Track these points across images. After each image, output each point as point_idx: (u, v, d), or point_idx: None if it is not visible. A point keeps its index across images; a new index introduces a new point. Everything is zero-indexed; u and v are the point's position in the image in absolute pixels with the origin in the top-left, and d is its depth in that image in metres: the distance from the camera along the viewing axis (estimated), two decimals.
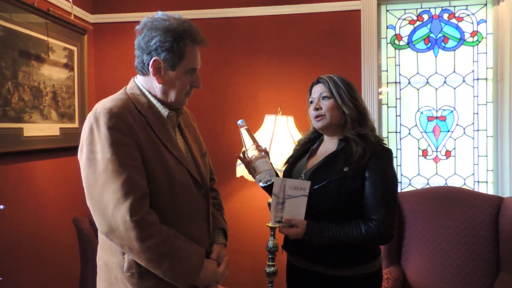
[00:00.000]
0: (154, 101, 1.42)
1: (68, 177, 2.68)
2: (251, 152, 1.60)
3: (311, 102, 1.70)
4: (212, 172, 1.72)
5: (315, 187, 1.57)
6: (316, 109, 1.65)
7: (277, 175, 1.63)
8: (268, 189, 1.73)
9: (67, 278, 2.57)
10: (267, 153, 1.64)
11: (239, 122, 1.64)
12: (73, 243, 2.36)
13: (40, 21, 2.44)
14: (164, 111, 1.43)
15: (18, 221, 2.27)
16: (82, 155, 1.31)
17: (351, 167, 1.55)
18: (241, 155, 1.67)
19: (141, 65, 1.40)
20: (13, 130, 2.23)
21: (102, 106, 1.31)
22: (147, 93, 1.42)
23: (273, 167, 1.63)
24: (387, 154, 1.61)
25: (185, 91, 1.43)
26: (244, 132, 1.63)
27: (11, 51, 2.21)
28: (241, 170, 2.58)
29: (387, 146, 1.66)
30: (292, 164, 1.77)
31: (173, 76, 1.39)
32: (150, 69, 1.37)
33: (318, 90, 1.67)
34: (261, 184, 1.61)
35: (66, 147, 2.65)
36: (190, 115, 1.67)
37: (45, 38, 2.49)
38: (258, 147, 1.61)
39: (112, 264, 1.37)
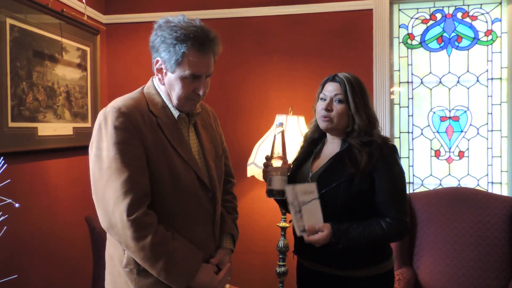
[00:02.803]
0: (167, 102, 1.43)
1: (81, 176, 2.70)
2: (276, 162, 1.55)
3: (322, 99, 1.64)
4: (230, 174, 1.70)
5: (324, 190, 1.56)
6: (327, 110, 1.60)
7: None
8: (279, 200, 1.68)
9: (80, 276, 2.60)
10: (289, 169, 1.60)
11: (278, 123, 1.57)
12: (85, 241, 2.39)
13: (54, 22, 2.48)
14: (175, 113, 1.43)
15: (33, 219, 2.30)
16: (91, 151, 1.35)
17: (358, 170, 1.53)
18: (265, 159, 1.61)
19: (153, 64, 1.42)
20: (27, 129, 2.26)
21: (113, 105, 1.35)
22: (161, 93, 1.43)
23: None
24: (393, 151, 1.60)
25: (185, 97, 1.38)
26: (278, 137, 1.56)
27: (26, 52, 2.25)
28: (251, 170, 2.58)
29: (391, 143, 1.63)
30: (297, 168, 1.74)
31: (172, 79, 1.37)
32: (154, 68, 1.40)
33: (333, 89, 1.61)
34: (269, 197, 1.57)
35: (79, 146, 2.68)
36: (212, 115, 1.65)
37: (59, 38, 2.52)
38: (284, 159, 1.56)
39: (115, 258, 1.41)
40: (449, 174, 2.87)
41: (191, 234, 1.40)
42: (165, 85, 1.40)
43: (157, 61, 1.38)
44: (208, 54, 1.37)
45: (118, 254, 1.38)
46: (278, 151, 1.56)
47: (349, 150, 1.59)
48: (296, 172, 1.73)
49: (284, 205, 1.80)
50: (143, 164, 1.32)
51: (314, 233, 1.49)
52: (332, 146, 1.68)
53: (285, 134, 1.58)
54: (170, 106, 1.43)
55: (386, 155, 1.56)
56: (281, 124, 1.57)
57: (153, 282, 1.35)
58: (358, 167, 1.53)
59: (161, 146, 1.36)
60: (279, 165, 1.55)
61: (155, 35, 1.37)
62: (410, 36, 2.90)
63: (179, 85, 1.37)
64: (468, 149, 2.84)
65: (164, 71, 1.38)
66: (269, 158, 1.59)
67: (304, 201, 1.48)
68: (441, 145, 2.88)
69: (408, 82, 2.91)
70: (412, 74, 2.91)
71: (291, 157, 2.17)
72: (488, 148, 2.81)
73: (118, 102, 1.36)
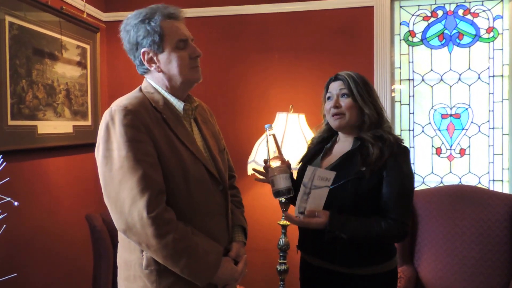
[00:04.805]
0: (168, 96, 1.42)
1: (81, 174, 2.70)
2: (274, 163, 1.56)
3: (328, 98, 1.65)
4: (232, 169, 1.70)
5: (332, 186, 1.56)
6: (336, 107, 1.61)
7: (294, 191, 1.59)
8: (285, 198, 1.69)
9: (80, 275, 2.60)
10: (289, 166, 1.60)
11: (266, 126, 1.60)
12: (86, 239, 2.38)
13: (54, 20, 2.47)
14: (179, 105, 1.42)
15: (32, 218, 2.30)
16: (98, 153, 1.32)
17: (368, 167, 1.53)
18: (263, 162, 1.63)
19: (140, 64, 1.41)
20: (27, 127, 2.25)
21: (118, 104, 1.33)
22: (160, 89, 1.43)
23: (291, 183, 1.58)
24: (404, 153, 1.60)
25: (186, 65, 1.39)
26: (270, 139, 1.59)
27: (25, 49, 2.24)
28: (252, 167, 2.57)
29: (404, 144, 1.63)
30: (306, 164, 1.75)
31: (165, 58, 1.38)
32: (145, 63, 1.39)
33: (337, 86, 1.63)
34: (277, 198, 1.57)
35: (79, 144, 2.67)
36: (209, 112, 1.66)
37: (58, 36, 2.51)
38: (281, 158, 1.57)
39: (131, 262, 1.38)
40: (450, 172, 2.86)
41: (206, 227, 1.40)
42: (163, 70, 1.39)
43: (144, 53, 1.37)
44: (179, 18, 1.41)
45: (135, 258, 1.36)
46: (273, 152, 1.58)
47: (361, 148, 1.58)
48: (304, 168, 1.73)
49: (291, 203, 1.80)
50: (155, 160, 1.30)
51: (311, 217, 1.51)
52: (344, 144, 1.68)
53: (275, 135, 1.61)
54: (172, 99, 1.42)
55: (397, 155, 1.56)
56: (270, 126, 1.60)
57: (174, 281, 1.34)
58: (369, 163, 1.53)
59: (170, 142, 1.35)
60: (278, 164, 1.56)
61: (127, 34, 1.39)
62: (411, 33, 2.89)
63: (175, 57, 1.38)
64: (469, 146, 2.83)
65: (155, 57, 1.38)
66: (266, 161, 1.60)
67: (316, 186, 1.49)
68: (442, 143, 2.87)
69: (409, 79, 2.90)
70: (413, 71, 2.90)
71: (292, 155, 2.17)
72: (489, 146, 2.80)
73: (123, 101, 1.35)
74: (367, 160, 1.54)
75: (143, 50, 1.37)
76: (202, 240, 1.35)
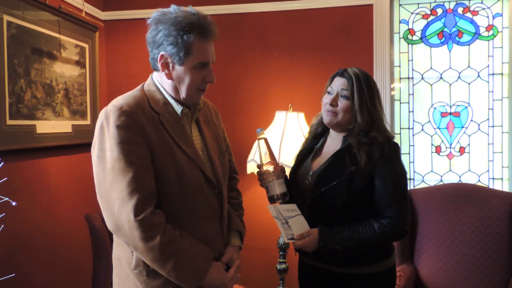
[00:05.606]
0: (169, 98, 1.40)
1: (81, 174, 2.70)
2: (267, 168, 1.54)
3: (329, 93, 1.62)
4: (234, 170, 1.68)
5: (323, 189, 1.55)
6: (332, 105, 1.58)
7: (290, 195, 1.58)
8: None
9: (79, 274, 2.60)
10: (283, 170, 1.59)
11: (258, 130, 1.58)
12: (85, 239, 2.38)
13: (52, 19, 2.46)
14: (178, 108, 1.40)
15: (31, 218, 2.29)
16: (94, 152, 1.33)
17: (358, 170, 1.52)
18: (257, 167, 1.62)
19: (153, 60, 1.38)
20: (26, 127, 2.25)
21: (114, 104, 1.32)
22: (162, 89, 1.41)
23: (286, 188, 1.57)
24: (395, 150, 1.58)
25: (196, 87, 1.38)
26: (262, 143, 1.56)
27: (24, 49, 2.23)
28: (251, 166, 2.57)
29: (394, 141, 1.61)
30: (298, 164, 1.72)
31: (181, 71, 1.35)
32: (158, 64, 1.35)
33: (340, 84, 1.59)
34: (271, 202, 1.57)
35: (78, 144, 2.67)
36: (214, 112, 1.63)
37: (57, 35, 2.50)
38: (274, 163, 1.55)
39: (123, 260, 1.38)
40: (450, 170, 2.86)
41: (199, 231, 1.38)
42: (173, 79, 1.37)
43: (162, 56, 1.34)
44: (211, 40, 1.38)
45: (125, 256, 1.36)
46: (266, 156, 1.56)
47: (350, 148, 1.57)
48: (296, 169, 1.72)
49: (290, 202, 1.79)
50: (148, 162, 1.29)
51: (303, 239, 1.51)
52: (333, 142, 1.66)
53: (267, 140, 1.59)
54: (172, 102, 1.40)
55: (388, 155, 1.54)
56: (261, 130, 1.58)
57: (163, 283, 1.33)
58: (358, 168, 1.52)
59: (165, 144, 1.34)
60: (271, 169, 1.54)
61: (155, 29, 1.34)
62: (411, 31, 2.88)
63: (189, 76, 1.35)
64: (469, 145, 2.83)
65: (171, 65, 1.35)
66: (260, 166, 1.59)
67: (289, 216, 1.50)
68: (442, 141, 2.87)
69: (408, 77, 2.90)
70: (412, 69, 2.89)
71: (291, 154, 2.16)
72: (489, 144, 2.80)
73: (120, 100, 1.34)
74: (356, 162, 1.53)
75: (162, 53, 1.33)
76: (191, 244, 1.34)
